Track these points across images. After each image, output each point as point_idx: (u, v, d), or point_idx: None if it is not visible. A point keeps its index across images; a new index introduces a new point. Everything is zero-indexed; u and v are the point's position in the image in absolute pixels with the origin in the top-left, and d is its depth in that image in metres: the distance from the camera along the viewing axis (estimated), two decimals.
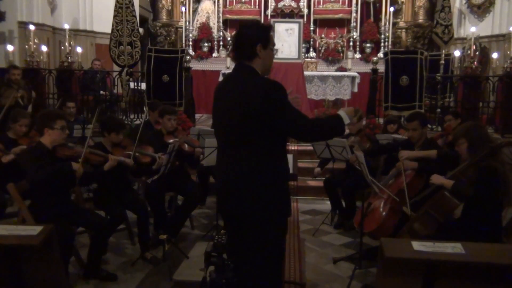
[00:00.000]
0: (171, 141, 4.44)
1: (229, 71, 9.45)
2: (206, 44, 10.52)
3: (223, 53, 10.37)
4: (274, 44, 2.48)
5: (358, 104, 8.81)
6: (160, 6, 11.06)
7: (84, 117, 7.22)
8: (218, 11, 10.53)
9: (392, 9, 9.82)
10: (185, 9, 10.09)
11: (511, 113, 7.24)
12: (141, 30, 9.20)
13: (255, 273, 2.42)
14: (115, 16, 7.78)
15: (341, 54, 10.26)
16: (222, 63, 9.98)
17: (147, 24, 11.35)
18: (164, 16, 11.07)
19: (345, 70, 9.61)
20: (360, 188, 4.26)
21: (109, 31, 7.90)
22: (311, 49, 10.38)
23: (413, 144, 4.08)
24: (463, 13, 9.90)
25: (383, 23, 10.00)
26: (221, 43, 10.49)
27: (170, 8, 11.13)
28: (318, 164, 5.35)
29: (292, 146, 6.50)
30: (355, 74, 9.07)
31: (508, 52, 7.81)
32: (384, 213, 3.70)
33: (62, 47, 8.80)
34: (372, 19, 10.51)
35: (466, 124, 3.49)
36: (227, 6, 10.71)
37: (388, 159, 4.49)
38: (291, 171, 2.52)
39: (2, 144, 4.37)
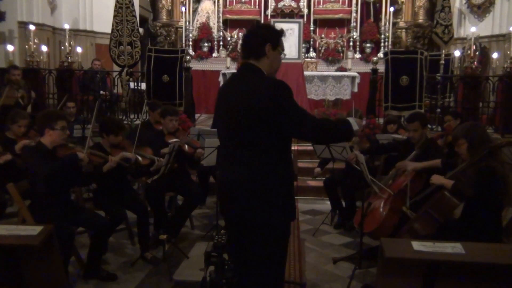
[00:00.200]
0: (172, 141, 4.44)
1: (229, 71, 9.51)
2: (206, 44, 10.52)
3: (223, 53, 10.37)
4: (283, 49, 2.46)
5: (358, 104, 8.78)
6: (160, 6, 11.05)
7: (84, 117, 7.22)
8: (218, 11, 10.53)
9: (392, 9, 9.82)
10: (185, 9, 10.09)
11: (511, 113, 7.24)
12: (141, 30, 9.20)
13: (258, 276, 2.40)
14: (115, 16, 7.78)
15: (341, 54, 10.26)
16: (222, 63, 9.98)
17: (147, 24, 11.35)
18: (164, 16, 11.07)
19: (345, 70, 9.61)
20: (360, 188, 4.25)
21: (109, 31, 7.90)
22: (311, 49, 10.38)
23: (414, 145, 4.08)
24: (463, 13, 9.91)
25: (383, 23, 10.00)
26: (221, 43, 10.49)
27: (170, 8, 11.13)
28: (318, 164, 5.35)
29: (292, 146, 6.49)
30: (355, 74, 9.06)
31: (508, 52, 7.81)
32: (384, 213, 3.70)
33: (62, 47, 8.81)
34: (372, 19, 10.51)
35: (466, 124, 3.48)
36: (227, 6, 10.71)
37: (388, 159, 4.50)
38: (289, 169, 2.48)
39: (1, 144, 4.37)
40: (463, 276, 2.24)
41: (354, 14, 10.28)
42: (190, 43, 10.33)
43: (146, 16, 11.43)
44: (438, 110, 7.53)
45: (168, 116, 4.66)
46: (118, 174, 3.98)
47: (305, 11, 10.36)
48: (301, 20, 10.01)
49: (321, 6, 10.47)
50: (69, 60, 8.00)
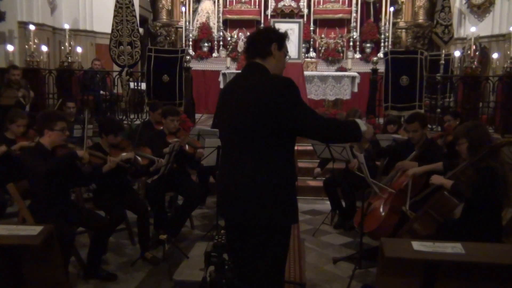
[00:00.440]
0: (172, 141, 4.44)
1: (229, 71, 9.50)
2: (206, 44, 10.52)
3: (223, 53, 10.37)
4: (287, 51, 2.46)
5: (358, 104, 8.82)
6: (160, 6, 11.06)
7: (84, 117, 7.22)
8: (218, 11, 10.53)
9: (392, 9, 9.82)
10: (185, 9, 10.10)
11: (511, 113, 7.24)
12: (141, 30, 9.20)
13: (258, 278, 2.40)
14: (115, 16, 7.78)
15: (341, 54, 10.26)
16: (222, 63, 9.98)
17: (147, 24, 11.35)
18: (164, 16, 11.07)
19: (345, 70, 9.62)
20: (360, 188, 4.26)
21: (109, 31, 7.90)
22: (311, 49, 10.38)
23: (414, 145, 4.08)
24: (463, 13, 9.91)
25: (383, 23, 10.01)
26: (221, 43, 10.49)
27: (170, 8, 11.13)
28: (318, 164, 5.35)
29: None
30: (355, 74, 9.07)
31: (508, 52, 7.81)
32: (384, 213, 3.70)
33: (62, 47, 8.81)
34: (372, 19, 10.51)
35: (467, 123, 3.48)
36: (227, 6, 10.71)
37: (389, 160, 4.50)
38: (294, 170, 2.46)
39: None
40: (463, 276, 2.24)
41: (354, 14, 10.28)
42: (190, 43, 10.34)
43: (146, 16, 11.44)
44: (438, 110, 7.53)
45: (169, 116, 4.66)
46: (118, 174, 3.98)
47: (305, 11, 10.36)
48: (301, 20, 10.02)
49: (321, 6, 10.47)
50: (69, 60, 8.01)
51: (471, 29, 8.46)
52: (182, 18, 10.51)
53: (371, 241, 4.12)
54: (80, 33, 9.91)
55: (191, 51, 10.21)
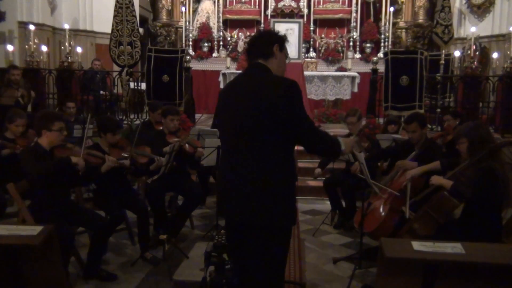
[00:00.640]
0: (172, 141, 4.44)
1: (229, 71, 9.50)
2: (206, 44, 10.53)
3: (223, 53, 10.37)
4: (287, 54, 2.50)
5: (358, 104, 8.82)
6: (160, 6, 11.06)
7: (84, 117, 7.22)
8: (218, 11, 10.54)
9: (392, 9, 9.82)
10: (185, 9, 10.10)
11: (511, 113, 7.24)
12: (141, 30, 9.20)
13: (258, 278, 2.40)
14: (115, 16, 7.78)
15: (341, 54, 10.27)
16: (222, 63, 9.99)
17: (147, 24, 11.35)
18: (164, 16, 11.07)
19: (345, 70, 9.62)
20: (360, 188, 4.25)
21: (109, 31, 7.91)
22: (311, 49, 10.38)
23: (414, 145, 4.08)
24: (463, 13, 9.90)
25: (383, 23, 10.01)
26: (221, 43, 10.49)
27: (170, 8, 11.14)
28: (319, 164, 5.35)
29: None
30: (355, 74, 9.07)
31: (508, 52, 7.81)
32: (384, 213, 3.70)
33: (62, 47, 8.81)
34: (372, 19, 10.51)
35: (468, 123, 3.47)
36: (227, 6, 10.71)
37: (389, 160, 4.50)
38: (294, 171, 2.47)
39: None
40: (463, 276, 2.24)
41: (354, 14, 10.29)
42: (190, 43, 10.34)
43: (146, 16, 11.43)
44: (438, 110, 7.53)
45: (169, 115, 4.66)
46: (118, 174, 3.98)
47: (305, 11, 10.36)
48: (301, 20, 10.03)
49: (321, 6, 10.48)
50: (69, 60, 8.01)
51: (471, 29, 8.47)
52: (182, 18, 10.52)
53: (371, 241, 4.12)
54: (80, 33, 9.91)
55: (191, 51, 10.21)
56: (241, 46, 10.17)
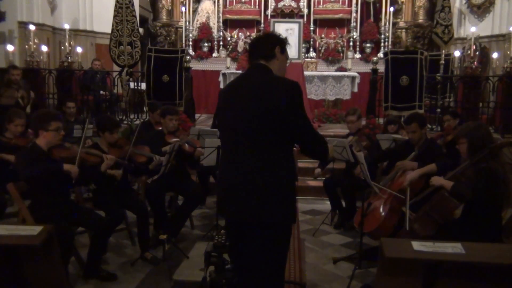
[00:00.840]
0: (172, 141, 4.44)
1: (229, 71, 9.48)
2: (206, 44, 10.52)
3: (223, 53, 10.37)
4: (288, 57, 2.56)
5: (358, 104, 8.81)
6: (160, 6, 11.06)
7: (84, 117, 7.22)
8: (218, 11, 10.53)
9: (392, 9, 9.82)
10: (185, 9, 10.10)
11: (511, 113, 7.24)
12: (141, 30, 9.20)
13: (258, 278, 2.40)
14: (115, 16, 7.78)
15: (341, 54, 10.26)
16: (222, 63, 9.98)
17: (147, 24, 11.35)
18: (164, 16, 11.07)
19: (345, 70, 9.61)
20: (360, 188, 4.26)
21: (109, 31, 7.90)
22: (311, 49, 10.38)
23: (413, 146, 4.08)
24: (463, 13, 9.90)
25: (383, 23, 10.01)
26: (221, 43, 10.49)
27: (170, 8, 11.13)
28: (318, 164, 5.35)
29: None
30: (355, 74, 9.07)
31: (508, 52, 7.81)
32: (384, 213, 3.70)
33: (62, 47, 8.81)
34: (372, 19, 10.51)
35: (469, 123, 3.47)
36: (227, 6, 10.71)
37: (389, 161, 4.49)
38: (295, 170, 2.49)
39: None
40: (463, 276, 2.24)
41: (354, 14, 10.28)
42: (190, 43, 10.34)
43: (146, 16, 11.43)
44: (438, 110, 7.53)
45: (168, 115, 4.66)
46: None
47: (305, 11, 10.36)
48: (301, 20, 10.02)
49: (321, 6, 10.47)
50: (69, 60, 8.01)
51: (471, 29, 8.47)
52: (182, 18, 10.51)
53: (371, 241, 4.12)
54: (80, 33, 9.91)
55: (191, 51, 10.21)
56: (241, 46, 10.17)
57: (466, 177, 3.17)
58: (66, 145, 3.67)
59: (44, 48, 8.12)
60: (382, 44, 10.03)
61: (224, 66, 9.76)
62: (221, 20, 10.52)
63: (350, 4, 10.37)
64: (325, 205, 5.57)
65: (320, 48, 10.38)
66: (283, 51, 2.47)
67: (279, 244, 2.37)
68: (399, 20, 10.81)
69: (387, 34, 9.89)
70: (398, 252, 2.26)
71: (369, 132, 6.17)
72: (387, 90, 7.14)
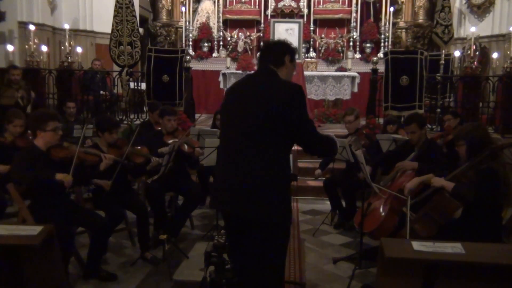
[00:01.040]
0: (170, 141, 4.44)
1: (229, 71, 9.49)
2: (206, 44, 10.52)
3: (223, 53, 10.37)
4: (295, 66, 2.68)
5: (358, 104, 8.80)
6: (160, 6, 11.06)
7: (84, 117, 7.23)
8: (218, 11, 10.53)
9: (392, 9, 9.82)
10: (185, 9, 10.09)
11: (511, 113, 7.24)
12: (141, 30, 9.20)
13: (257, 276, 2.41)
14: (115, 16, 7.78)
15: (341, 54, 10.26)
16: (222, 63, 9.98)
17: (147, 24, 11.35)
18: (164, 16, 11.07)
19: (345, 70, 9.61)
20: (360, 188, 4.25)
21: (109, 31, 7.90)
22: (311, 49, 10.37)
23: (413, 146, 4.08)
24: (463, 13, 9.91)
25: (383, 23, 10.00)
26: (221, 43, 10.49)
27: (170, 8, 11.13)
28: (319, 165, 5.35)
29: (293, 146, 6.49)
30: (355, 74, 9.07)
31: (508, 52, 7.81)
32: (384, 213, 3.70)
33: (62, 47, 8.80)
34: (372, 19, 10.50)
35: (467, 125, 3.47)
36: (227, 6, 10.70)
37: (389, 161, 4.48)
38: (291, 171, 2.53)
39: None
40: (463, 276, 2.24)
41: (354, 14, 10.28)
42: (190, 43, 10.33)
43: (146, 16, 11.43)
44: (438, 110, 7.53)
45: (166, 116, 4.66)
46: (118, 174, 3.97)
47: (305, 11, 10.35)
48: (301, 20, 10.02)
49: (321, 6, 10.47)
50: (69, 60, 8.00)
51: (471, 29, 8.46)
52: (182, 18, 10.51)
53: (371, 241, 4.12)
54: (80, 33, 9.90)
55: (191, 51, 10.20)
56: (241, 46, 10.17)
57: (467, 178, 3.17)
58: (65, 144, 3.66)
59: (44, 48, 8.12)
60: (382, 44, 10.02)
61: (224, 66, 9.75)
62: (221, 20, 10.52)
63: (350, 4, 10.36)
64: (325, 205, 5.57)
65: (320, 48, 10.38)
66: (292, 60, 2.59)
67: (277, 243, 2.39)
68: (399, 20, 10.81)
69: (387, 34, 9.88)
70: (398, 252, 2.26)
71: (369, 132, 6.17)
72: (387, 90, 7.14)
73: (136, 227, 4.12)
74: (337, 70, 9.67)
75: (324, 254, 4.29)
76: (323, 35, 10.40)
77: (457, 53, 8.70)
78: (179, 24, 10.98)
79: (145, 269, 3.89)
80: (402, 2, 10.84)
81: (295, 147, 2.62)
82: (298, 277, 3.73)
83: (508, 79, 7.28)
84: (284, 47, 2.58)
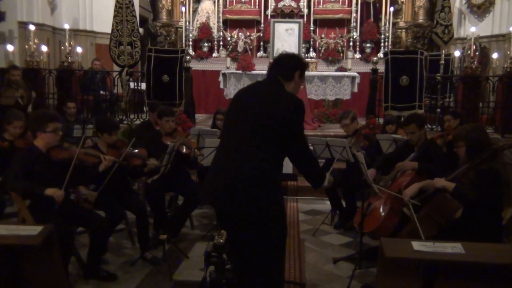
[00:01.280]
0: (168, 142, 4.43)
1: (229, 71, 9.49)
2: (206, 44, 10.52)
3: (223, 53, 10.37)
4: (304, 79, 2.78)
5: (358, 104, 8.82)
6: (160, 6, 11.06)
7: (84, 117, 7.22)
8: (218, 11, 10.53)
9: (392, 9, 9.81)
10: (185, 9, 10.09)
11: (511, 113, 7.24)
12: (141, 30, 9.20)
13: (255, 275, 2.42)
14: (115, 16, 7.78)
15: (341, 54, 10.26)
16: (222, 63, 9.97)
17: (147, 24, 11.35)
18: (164, 16, 11.07)
19: (345, 70, 9.61)
20: (360, 188, 4.25)
21: (109, 31, 7.91)
22: (311, 49, 10.37)
23: (413, 146, 4.08)
24: (463, 13, 9.91)
25: (383, 23, 10.00)
26: (221, 43, 10.48)
27: (170, 8, 11.13)
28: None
29: None
30: (355, 74, 9.06)
31: (508, 52, 7.81)
32: (384, 213, 3.70)
33: (62, 47, 8.81)
34: (372, 19, 10.50)
35: (466, 126, 3.46)
36: (227, 6, 10.70)
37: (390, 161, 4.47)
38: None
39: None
40: (463, 276, 2.24)
41: (354, 14, 10.28)
42: (190, 43, 10.33)
43: (146, 16, 11.43)
44: (438, 110, 7.53)
45: (164, 117, 4.65)
46: (117, 175, 3.97)
47: (305, 11, 10.35)
48: (301, 20, 10.03)
49: (321, 6, 10.46)
50: (69, 60, 8.00)
51: (471, 29, 8.46)
52: (182, 18, 10.50)
53: (371, 241, 4.12)
54: (80, 33, 9.91)
55: (191, 51, 10.20)
56: (241, 46, 10.17)
57: (467, 179, 3.17)
58: (65, 145, 3.66)
59: (44, 48, 8.12)
60: (382, 44, 10.02)
61: (224, 66, 9.75)
62: (221, 20, 10.51)
63: (350, 4, 10.36)
64: (325, 205, 5.57)
65: (320, 48, 10.37)
66: (302, 75, 2.69)
67: (267, 242, 2.43)
68: (399, 20, 10.81)
69: (387, 34, 9.88)
70: (398, 252, 2.26)
71: (369, 132, 6.17)
72: (387, 90, 7.14)
73: (136, 227, 4.12)
74: (337, 70, 9.66)
75: (324, 254, 4.29)
76: (323, 35, 10.40)
77: (457, 53, 8.70)
78: (179, 24, 10.98)
79: (145, 269, 3.89)
80: (402, 2, 10.84)
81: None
82: (298, 277, 3.73)
83: (508, 79, 7.28)
84: (297, 63, 2.68)
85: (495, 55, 8.47)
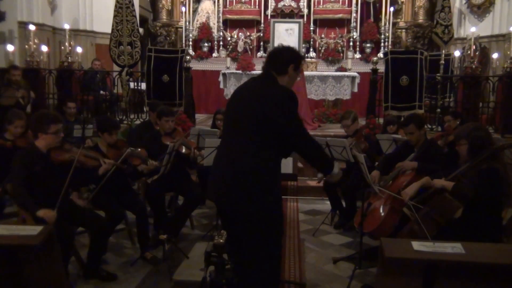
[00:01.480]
0: (168, 142, 4.43)
1: (229, 71, 9.49)
2: (206, 44, 10.52)
3: (223, 53, 10.37)
4: (300, 72, 2.74)
5: (358, 104, 8.82)
6: (160, 6, 11.06)
7: (84, 117, 7.22)
8: (218, 11, 10.53)
9: (392, 9, 9.81)
10: (185, 9, 10.09)
11: (511, 113, 7.24)
12: (141, 30, 9.20)
13: (253, 271, 2.44)
14: (115, 16, 7.77)
15: (341, 54, 10.26)
16: (222, 63, 9.98)
17: (147, 24, 11.35)
18: (164, 16, 11.07)
19: (345, 70, 9.61)
20: (360, 188, 4.25)
21: (109, 31, 7.90)
22: (311, 49, 10.37)
23: (413, 146, 4.08)
24: (463, 13, 9.91)
25: (383, 23, 10.00)
26: (221, 43, 10.48)
27: (170, 8, 11.13)
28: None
29: None
30: (355, 74, 9.06)
31: (508, 52, 7.81)
32: (384, 213, 3.70)
33: (62, 47, 8.80)
34: (372, 19, 10.50)
35: (469, 125, 3.47)
36: (227, 6, 10.70)
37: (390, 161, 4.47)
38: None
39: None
40: (463, 276, 2.25)
41: (354, 14, 10.28)
42: (190, 43, 10.33)
43: (146, 16, 11.43)
44: (438, 110, 7.53)
45: (163, 117, 4.65)
46: (117, 175, 3.98)
47: (305, 11, 10.35)
48: (301, 20, 10.03)
49: (321, 6, 10.46)
50: (69, 60, 8.00)
51: (471, 29, 8.46)
52: (182, 18, 10.50)
53: (371, 241, 4.12)
54: (80, 33, 9.90)
55: (191, 51, 10.20)
56: (241, 46, 10.17)
57: (468, 178, 3.17)
58: (66, 146, 3.66)
59: (44, 48, 8.12)
60: (382, 44, 10.02)
61: (224, 66, 9.75)
62: (221, 20, 10.51)
63: (350, 4, 10.36)
64: (325, 205, 5.57)
65: (320, 48, 10.37)
66: (297, 68, 2.66)
67: (262, 238, 2.46)
68: (399, 20, 10.81)
69: (387, 34, 9.88)
70: (398, 252, 2.26)
71: (369, 132, 6.16)
72: (387, 90, 7.14)
73: (136, 227, 4.12)
74: (337, 70, 9.66)
75: (324, 254, 4.29)
76: (323, 35, 10.40)
77: (457, 53, 8.70)
78: (179, 24, 10.98)
79: (145, 269, 3.89)
80: (402, 2, 10.84)
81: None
82: (298, 277, 3.73)
83: (508, 79, 7.28)
84: (291, 56, 2.64)
85: (495, 55, 8.47)
